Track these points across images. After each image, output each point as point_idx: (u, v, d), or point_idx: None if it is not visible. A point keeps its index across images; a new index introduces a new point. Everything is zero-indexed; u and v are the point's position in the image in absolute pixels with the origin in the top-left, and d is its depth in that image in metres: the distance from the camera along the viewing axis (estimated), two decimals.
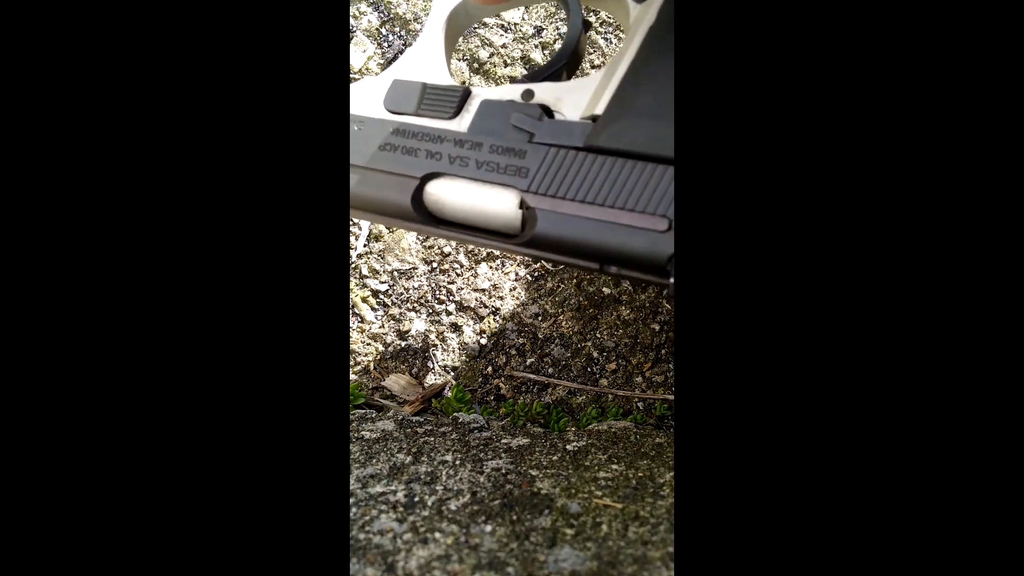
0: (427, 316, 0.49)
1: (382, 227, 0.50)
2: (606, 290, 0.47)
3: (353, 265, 0.49)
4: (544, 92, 0.28)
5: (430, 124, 0.30)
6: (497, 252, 0.49)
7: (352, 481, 0.33)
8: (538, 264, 0.48)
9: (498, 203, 0.28)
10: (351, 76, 0.50)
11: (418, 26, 0.51)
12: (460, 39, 0.50)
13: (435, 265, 0.49)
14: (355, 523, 0.29)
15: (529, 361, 0.47)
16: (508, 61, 0.50)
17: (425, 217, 0.29)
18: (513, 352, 0.47)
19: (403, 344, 0.48)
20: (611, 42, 0.50)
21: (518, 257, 0.49)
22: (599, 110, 0.27)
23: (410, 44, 0.51)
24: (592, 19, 0.50)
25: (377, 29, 0.51)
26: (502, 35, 0.50)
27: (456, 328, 0.48)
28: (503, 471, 0.34)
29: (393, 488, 0.32)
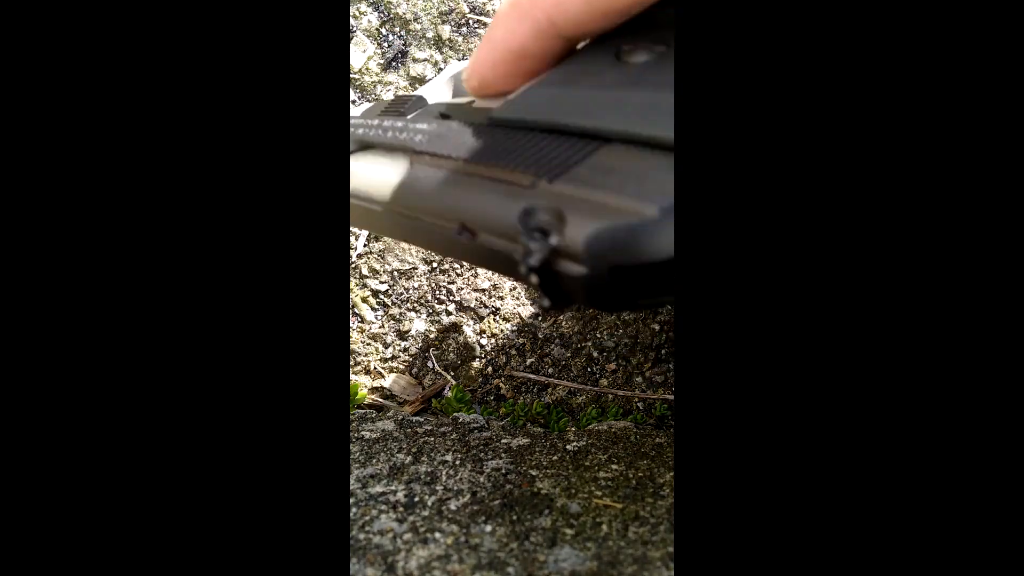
0: (427, 316, 0.49)
1: None
2: None
3: (353, 265, 0.49)
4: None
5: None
6: None
7: (352, 481, 0.33)
8: None
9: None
10: (351, 76, 0.50)
11: (418, 26, 0.51)
12: (461, 39, 0.51)
13: (435, 265, 0.49)
14: (355, 523, 0.29)
15: (529, 361, 0.47)
16: None
17: None
18: (513, 352, 0.47)
19: (403, 344, 0.48)
20: None
21: None
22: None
23: (410, 44, 0.51)
24: None
25: (377, 29, 0.51)
26: None
27: (456, 328, 0.48)
28: (503, 471, 0.34)
29: (393, 488, 0.32)
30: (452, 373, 0.48)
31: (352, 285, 0.49)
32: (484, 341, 0.48)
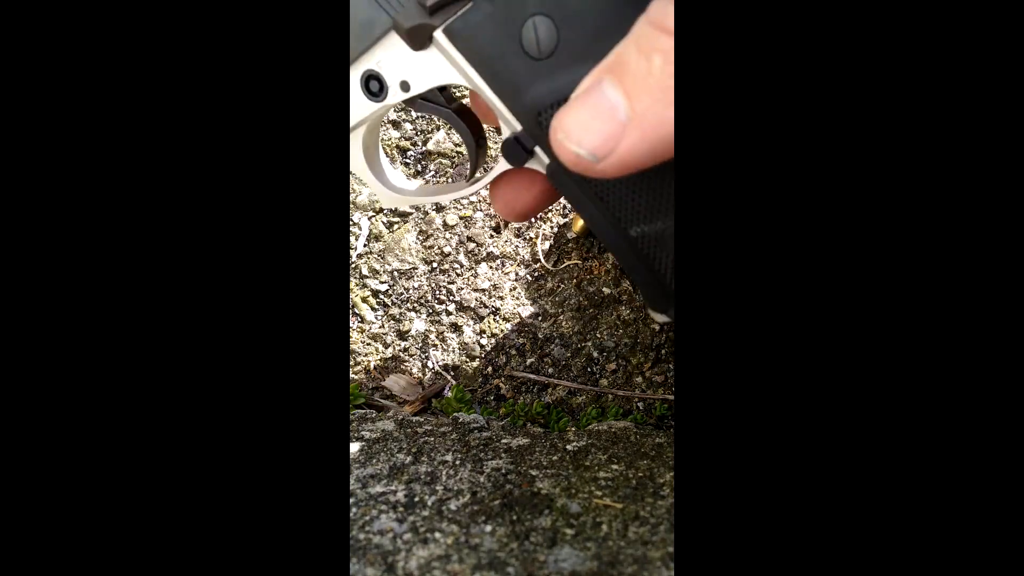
0: (427, 316, 0.49)
1: (382, 227, 0.50)
2: (606, 290, 0.47)
3: (353, 265, 0.49)
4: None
5: None
6: (497, 252, 0.49)
7: (352, 481, 0.33)
8: (538, 264, 0.48)
9: None
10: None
11: None
12: None
13: (435, 265, 0.49)
14: (355, 523, 0.29)
15: (529, 361, 0.47)
16: None
17: None
18: (513, 352, 0.47)
19: (403, 344, 0.48)
20: None
21: (518, 257, 0.49)
22: None
23: None
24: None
25: None
26: None
27: (456, 328, 0.48)
28: (503, 471, 0.34)
29: (393, 488, 0.32)
30: (452, 373, 0.48)
31: (352, 285, 0.49)
32: (484, 341, 0.48)
